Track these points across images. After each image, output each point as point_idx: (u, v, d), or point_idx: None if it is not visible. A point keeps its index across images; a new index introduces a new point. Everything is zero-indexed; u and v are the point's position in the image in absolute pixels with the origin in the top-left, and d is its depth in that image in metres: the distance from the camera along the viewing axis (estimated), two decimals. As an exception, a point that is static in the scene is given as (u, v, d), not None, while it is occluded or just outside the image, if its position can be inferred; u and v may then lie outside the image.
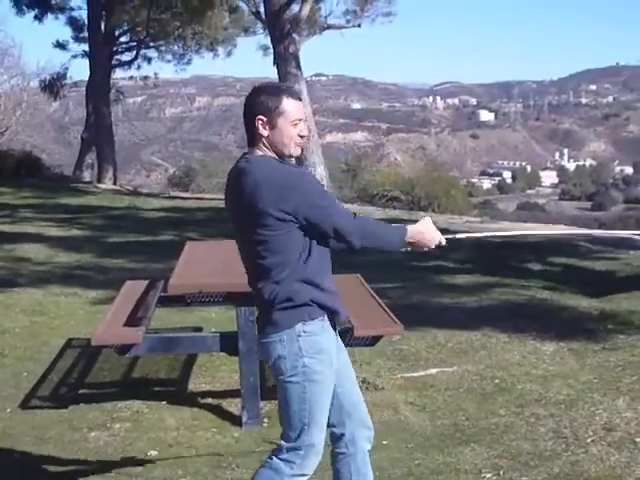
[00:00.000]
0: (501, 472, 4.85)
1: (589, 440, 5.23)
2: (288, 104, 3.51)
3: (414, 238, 3.71)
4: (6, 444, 5.43)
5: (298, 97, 3.57)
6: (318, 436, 3.57)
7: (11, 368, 7.03)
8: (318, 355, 3.51)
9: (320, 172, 19.79)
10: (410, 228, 3.72)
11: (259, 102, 3.51)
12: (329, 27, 22.92)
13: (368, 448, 3.83)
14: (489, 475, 4.82)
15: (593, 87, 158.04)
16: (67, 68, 29.18)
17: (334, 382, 3.61)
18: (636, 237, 12.73)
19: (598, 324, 7.80)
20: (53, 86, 29.27)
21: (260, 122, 3.50)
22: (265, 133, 3.51)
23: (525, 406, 5.88)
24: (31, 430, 5.66)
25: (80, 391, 6.53)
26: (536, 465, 4.92)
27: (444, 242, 3.81)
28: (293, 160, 3.77)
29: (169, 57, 29.66)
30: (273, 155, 3.54)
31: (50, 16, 28.41)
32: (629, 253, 11.77)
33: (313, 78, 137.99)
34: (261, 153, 3.55)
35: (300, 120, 3.55)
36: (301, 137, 3.56)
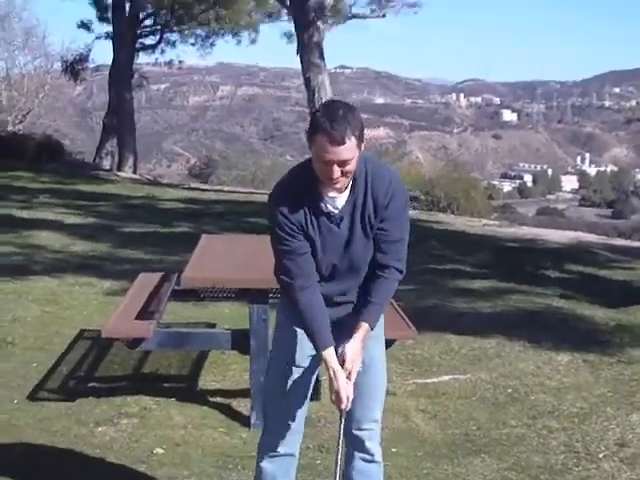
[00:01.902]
0: (510, 486, 4.79)
1: (601, 455, 5.17)
2: (320, 140, 3.29)
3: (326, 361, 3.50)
4: (12, 435, 5.39)
5: (335, 141, 3.25)
6: None
7: (21, 358, 6.99)
8: None
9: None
10: (328, 353, 3.49)
11: (311, 117, 3.41)
12: (353, 16, 22.84)
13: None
14: (498, 488, 4.76)
15: (617, 90, 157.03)
16: (90, 50, 29.20)
17: None
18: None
19: (614, 336, 7.71)
20: (74, 68, 29.23)
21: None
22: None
23: (537, 418, 5.81)
24: (38, 422, 5.62)
25: (89, 384, 6.48)
26: (546, 479, 4.86)
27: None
28: (329, 194, 3.43)
29: (192, 40, 29.61)
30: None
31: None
32: (648, 263, 11.68)
33: (337, 70, 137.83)
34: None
35: (329, 162, 3.29)
36: (333, 180, 3.34)
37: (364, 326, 3.50)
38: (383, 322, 3.79)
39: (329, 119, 3.26)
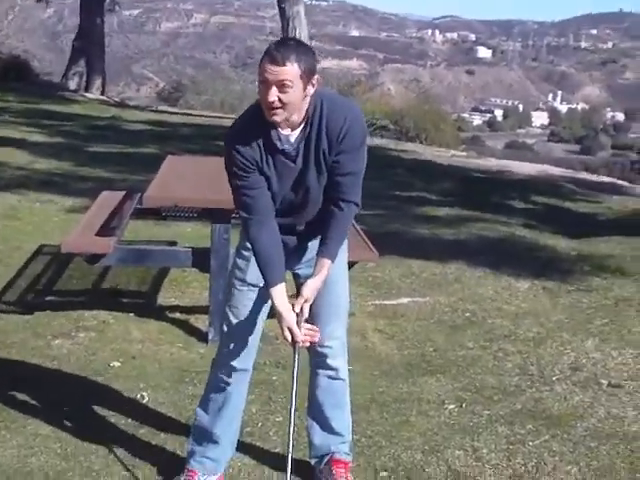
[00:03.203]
0: (464, 404, 4.83)
1: (554, 378, 5.23)
2: (263, 61, 3.25)
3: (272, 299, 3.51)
4: (-33, 347, 5.37)
5: (275, 60, 3.21)
6: None
7: (-21, 271, 6.94)
8: None
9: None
10: (275, 291, 3.48)
11: None
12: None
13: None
14: (452, 407, 4.81)
15: (594, 32, 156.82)
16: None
17: None
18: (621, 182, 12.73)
19: (574, 265, 7.77)
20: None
21: None
22: None
23: (494, 341, 5.86)
24: (-6, 334, 5.60)
25: (47, 298, 6.46)
26: (499, 400, 4.91)
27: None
28: (282, 132, 3.39)
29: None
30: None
31: None
32: (612, 197, 11.76)
33: (313, 2, 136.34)
34: None
35: (266, 82, 3.25)
36: (268, 103, 3.27)
37: (325, 262, 3.50)
38: (346, 242, 3.78)
39: (276, 43, 3.28)
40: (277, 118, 3.32)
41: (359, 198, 3.53)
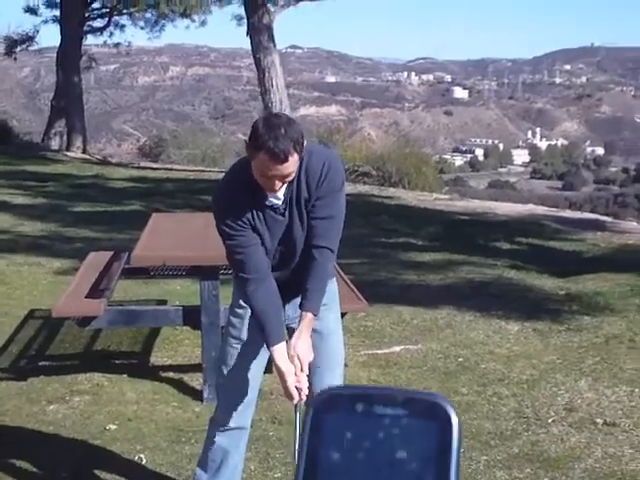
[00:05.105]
0: (461, 451, 4.82)
1: (550, 420, 5.25)
2: (264, 159, 3.26)
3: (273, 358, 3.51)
4: (-38, 415, 5.35)
5: (278, 159, 3.24)
6: None
7: (-30, 338, 6.92)
8: None
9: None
10: (276, 350, 3.48)
11: (251, 129, 3.35)
12: (304, -2, 22.55)
13: None
14: (449, 454, 4.80)
15: (567, 67, 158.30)
16: (37, 31, 28.75)
17: None
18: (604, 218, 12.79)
19: (563, 305, 7.80)
20: (14, 44, 28.74)
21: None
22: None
23: (488, 385, 5.87)
24: (-12, 402, 5.59)
25: (40, 363, 6.44)
26: (496, 444, 4.93)
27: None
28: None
29: (142, 24, 29.25)
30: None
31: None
32: (596, 234, 11.81)
33: (288, 50, 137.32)
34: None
35: (271, 178, 3.31)
36: (274, 190, 3.38)
37: (307, 316, 3.50)
38: (337, 292, 3.81)
39: (272, 138, 3.23)
40: (278, 191, 3.40)
41: (334, 244, 3.53)
